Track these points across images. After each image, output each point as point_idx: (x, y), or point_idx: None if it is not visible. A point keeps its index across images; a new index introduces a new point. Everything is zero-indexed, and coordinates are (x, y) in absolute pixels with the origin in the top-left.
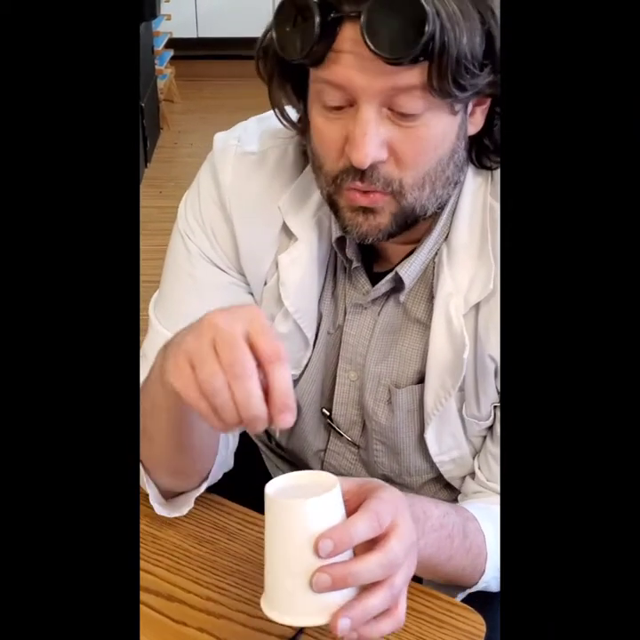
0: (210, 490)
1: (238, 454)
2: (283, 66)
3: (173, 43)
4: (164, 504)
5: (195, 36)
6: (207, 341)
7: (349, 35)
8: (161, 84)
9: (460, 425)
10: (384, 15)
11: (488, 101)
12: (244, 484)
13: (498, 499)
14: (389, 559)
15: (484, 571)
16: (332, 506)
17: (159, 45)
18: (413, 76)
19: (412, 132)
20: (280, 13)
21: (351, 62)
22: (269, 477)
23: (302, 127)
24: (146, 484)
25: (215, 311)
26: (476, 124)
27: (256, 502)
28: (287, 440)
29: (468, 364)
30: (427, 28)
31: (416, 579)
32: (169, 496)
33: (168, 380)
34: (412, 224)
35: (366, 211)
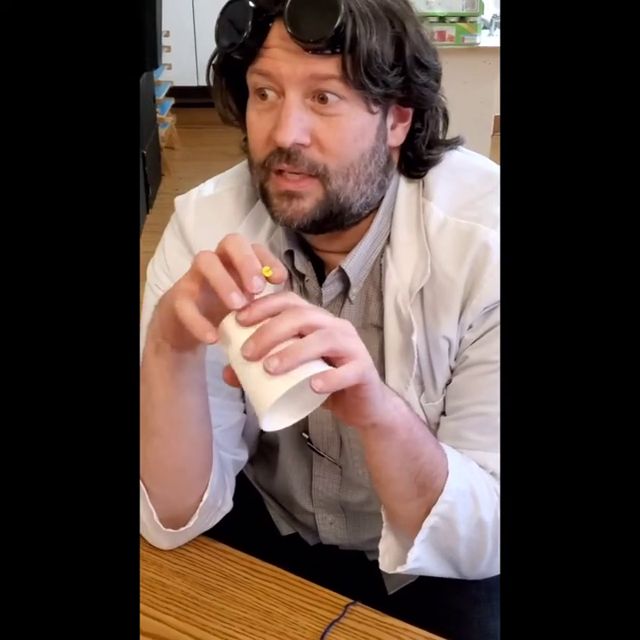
0: (216, 538)
1: (242, 503)
2: (228, 74)
3: (174, 91)
4: (159, 529)
5: (195, 84)
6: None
7: (277, 32)
8: (162, 131)
9: (422, 413)
10: (303, 8)
11: (409, 119)
12: (249, 532)
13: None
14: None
15: (448, 472)
16: None
17: (160, 94)
18: (331, 66)
19: (332, 121)
20: (225, 11)
21: (278, 55)
22: (273, 525)
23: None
24: (145, 506)
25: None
26: (397, 137)
27: (261, 550)
28: (274, 476)
29: (420, 348)
30: (339, 19)
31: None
32: (168, 524)
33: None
34: (338, 217)
35: (291, 196)
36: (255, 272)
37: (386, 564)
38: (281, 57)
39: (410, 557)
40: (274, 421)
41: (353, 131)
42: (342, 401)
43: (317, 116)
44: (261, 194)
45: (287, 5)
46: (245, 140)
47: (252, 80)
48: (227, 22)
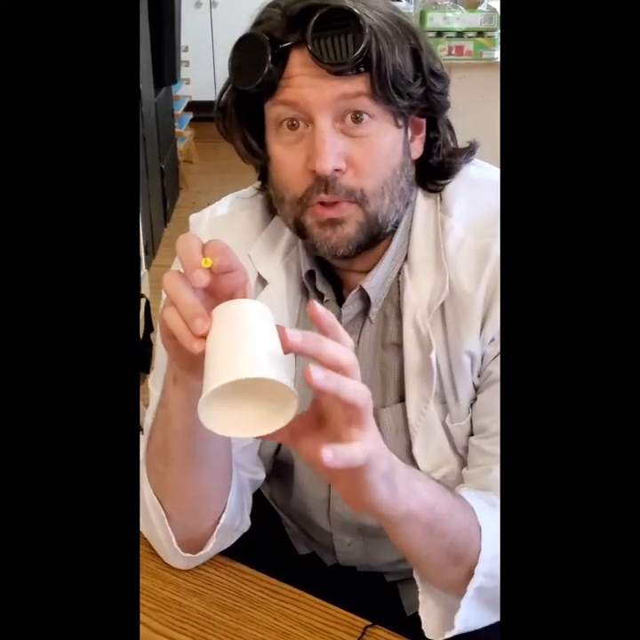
0: (233, 556)
1: (259, 522)
2: (241, 111)
3: (192, 106)
4: (178, 553)
5: (213, 98)
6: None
7: (298, 60)
8: (180, 145)
9: (446, 437)
10: (327, 32)
11: (424, 130)
12: (266, 550)
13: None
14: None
15: (480, 528)
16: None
17: (179, 109)
18: (358, 85)
19: (364, 142)
20: (237, 51)
21: (303, 82)
22: (290, 544)
23: (263, 164)
24: (164, 531)
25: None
26: (416, 149)
27: (278, 568)
28: (290, 496)
29: (441, 365)
30: (365, 39)
31: None
32: (186, 547)
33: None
34: (376, 237)
35: (334, 223)
36: (195, 266)
37: (431, 629)
38: (306, 84)
39: (457, 621)
40: (213, 413)
41: (384, 148)
42: (338, 479)
43: (349, 138)
44: (297, 228)
45: (309, 32)
46: (261, 181)
47: (275, 112)
48: (242, 61)
